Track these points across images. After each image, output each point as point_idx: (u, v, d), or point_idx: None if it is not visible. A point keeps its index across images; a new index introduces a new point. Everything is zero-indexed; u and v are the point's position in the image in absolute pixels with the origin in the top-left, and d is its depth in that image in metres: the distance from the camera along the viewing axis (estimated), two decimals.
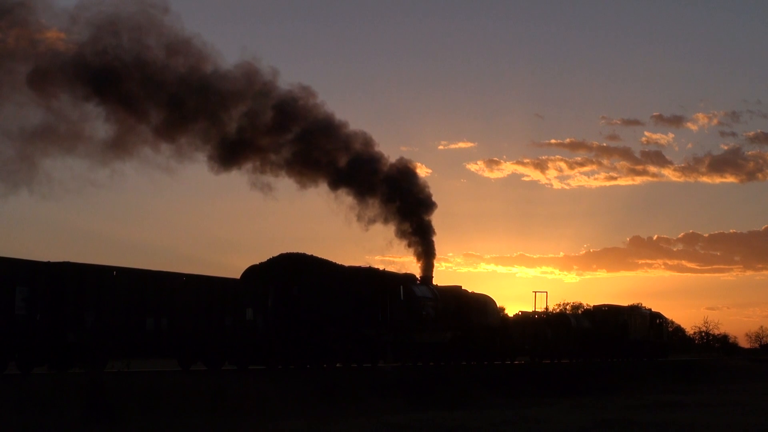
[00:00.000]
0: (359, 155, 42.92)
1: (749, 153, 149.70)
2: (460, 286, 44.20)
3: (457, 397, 27.52)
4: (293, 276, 32.78)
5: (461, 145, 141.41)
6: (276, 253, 34.42)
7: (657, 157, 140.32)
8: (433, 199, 45.53)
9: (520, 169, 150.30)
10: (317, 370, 31.84)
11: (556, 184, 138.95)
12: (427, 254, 43.79)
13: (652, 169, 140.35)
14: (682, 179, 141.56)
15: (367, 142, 43.66)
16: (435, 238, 44.65)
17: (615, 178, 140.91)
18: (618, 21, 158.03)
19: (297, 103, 41.16)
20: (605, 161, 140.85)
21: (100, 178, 39.49)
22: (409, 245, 43.93)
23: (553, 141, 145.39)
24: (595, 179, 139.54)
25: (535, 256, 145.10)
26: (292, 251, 34.79)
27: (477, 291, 45.91)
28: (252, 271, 33.54)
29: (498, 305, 48.34)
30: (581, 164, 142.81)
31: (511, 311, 54.53)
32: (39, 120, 35.21)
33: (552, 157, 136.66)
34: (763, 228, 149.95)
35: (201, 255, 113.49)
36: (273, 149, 41.19)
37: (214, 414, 20.45)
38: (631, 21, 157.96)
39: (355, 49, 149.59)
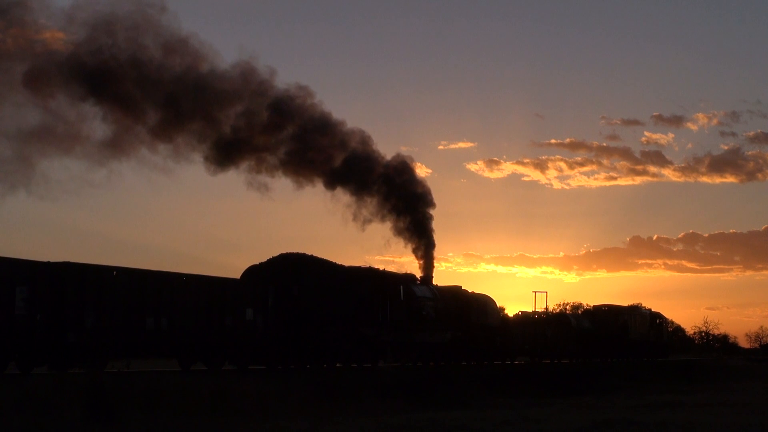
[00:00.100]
0: (355, 153, 42.75)
1: (749, 153, 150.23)
2: (460, 286, 44.22)
3: (457, 397, 27.49)
4: (293, 276, 32.78)
5: (461, 145, 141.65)
6: (276, 253, 34.50)
7: (657, 157, 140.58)
8: (432, 195, 45.49)
9: (520, 169, 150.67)
10: (317, 370, 31.84)
11: (556, 184, 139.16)
12: (426, 251, 43.65)
13: (652, 169, 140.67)
14: (682, 179, 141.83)
15: (365, 140, 43.56)
16: (435, 236, 44.66)
17: (615, 178, 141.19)
18: (618, 21, 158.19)
19: (293, 102, 41.05)
20: (605, 161, 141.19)
21: (98, 178, 39.42)
22: (407, 242, 43.86)
23: (553, 141, 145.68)
24: (595, 179, 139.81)
25: (535, 256, 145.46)
26: (292, 251, 34.83)
27: (477, 291, 45.97)
28: (252, 271, 33.54)
29: (498, 305, 48.38)
30: (581, 164, 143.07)
31: (511, 311, 54.64)
32: (36, 120, 35.20)
33: (552, 157, 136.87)
34: (763, 228, 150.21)
35: (201, 255, 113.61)
36: (268, 148, 41.12)
37: (214, 414, 20.44)
38: (631, 21, 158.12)
39: (355, 50, 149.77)
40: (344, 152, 42.52)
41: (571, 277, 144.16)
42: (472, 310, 43.40)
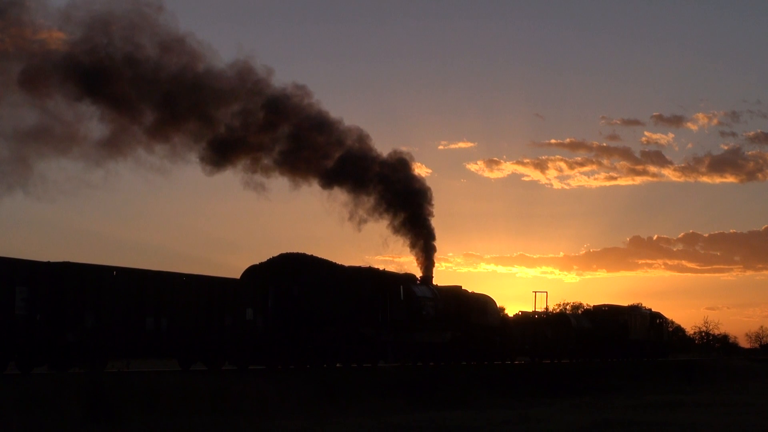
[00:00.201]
0: (350, 151, 42.50)
1: (749, 153, 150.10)
2: (460, 286, 44.20)
3: (457, 397, 27.47)
4: (293, 276, 32.78)
5: (461, 145, 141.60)
6: (276, 253, 34.52)
7: (657, 157, 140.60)
8: (431, 191, 45.25)
9: (520, 169, 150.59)
10: (317, 370, 31.83)
11: (556, 184, 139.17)
12: (426, 246, 43.47)
13: (652, 169, 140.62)
14: (682, 179, 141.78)
15: (361, 137, 43.27)
16: (434, 235, 44.47)
17: (615, 178, 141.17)
18: (618, 21, 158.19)
19: (289, 101, 40.85)
20: (605, 161, 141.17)
21: (95, 178, 39.34)
22: (406, 237, 43.67)
23: (553, 141, 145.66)
24: (595, 179, 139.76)
25: (535, 256, 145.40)
26: (292, 251, 34.83)
27: (477, 291, 45.95)
28: (252, 271, 33.54)
29: (498, 305, 48.38)
30: (581, 164, 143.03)
31: (511, 311, 54.66)
32: (33, 120, 35.11)
33: (552, 157, 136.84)
34: (763, 228, 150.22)
35: (200, 255, 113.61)
36: (264, 148, 40.96)
37: (214, 414, 20.44)
38: (631, 21, 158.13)
39: (355, 50, 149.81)
40: (341, 150, 42.37)
41: (571, 277, 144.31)
42: (472, 310, 43.39)
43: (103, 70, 35.27)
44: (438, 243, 44.35)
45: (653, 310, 70.39)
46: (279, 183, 42.85)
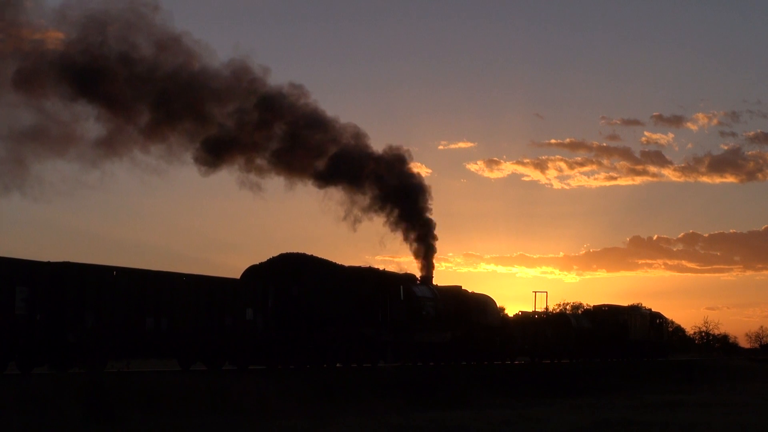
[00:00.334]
0: (345, 149, 42.13)
1: (749, 153, 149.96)
2: (460, 286, 44.18)
3: (457, 397, 27.50)
4: (293, 276, 32.77)
5: (461, 145, 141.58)
6: (276, 253, 34.47)
7: (657, 157, 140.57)
8: (427, 186, 44.93)
9: (520, 169, 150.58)
10: (317, 370, 31.83)
11: (556, 184, 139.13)
12: (425, 245, 43.31)
13: (652, 169, 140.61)
14: (682, 179, 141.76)
15: (357, 134, 42.89)
16: (434, 233, 44.26)
17: (615, 178, 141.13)
18: (618, 21, 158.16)
19: (283, 100, 40.50)
20: (605, 161, 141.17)
21: (92, 178, 39.16)
22: (403, 232, 43.48)
23: (553, 141, 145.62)
24: (595, 179, 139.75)
25: (535, 256, 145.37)
26: (292, 251, 34.81)
27: (477, 291, 45.94)
28: (252, 271, 33.53)
29: (498, 305, 48.36)
30: (581, 164, 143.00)
31: (511, 311, 54.65)
32: (29, 121, 34.96)
33: (552, 157, 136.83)
34: (763, 228, 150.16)
35: (200, 255, 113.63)
36: (258, 147, 40.73)
37: (214, 414, 20.45)
38: (631, 21, 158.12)
39: (355, 50, 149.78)
40: (336, 148, 41.94)
41: (571, 277, 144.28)
42: (472, 310, 43.38)
43: (98, 69, 35.11)
44: (438, 243, 44.30)
45: (653, 310, 70.40)
46: (276, 182, 42.59)
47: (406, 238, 43.50)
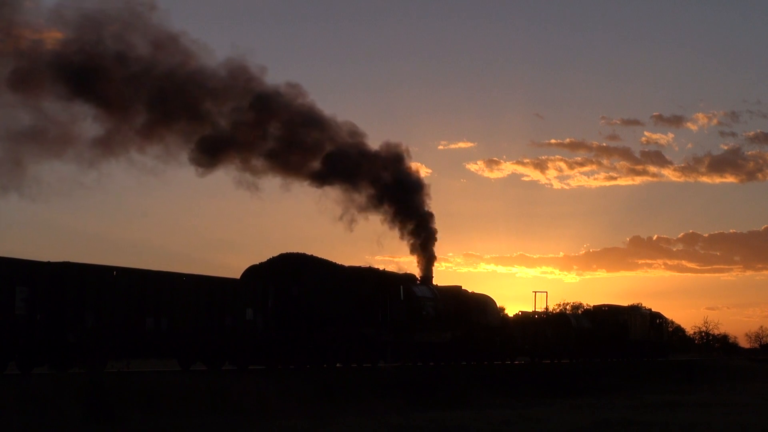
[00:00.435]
0: (341, 147, 41.87)
1: (749, 153, 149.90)
2: (460, 286, 44.17)
3: (457, 397, 27.50)
4: (293, 276, 32.76)
5: (461, 145, 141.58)
6: (276, 253, 34.47)
7: (657, 157, 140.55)
8: (428, 187, 44.62)
9: (520, 169, 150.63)
10: (317, 370, 31.83)
11: (556, 184, 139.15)
12: (421, 237, 43.12)
13: (652, 169, 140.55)
14: (682, 179, 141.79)
15: (354, 132, 42.61)
16: (434, 229, 44.03)
17: (615, 178, 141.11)
18: (618, 21, 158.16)
19: (278, 98, 40.17)
20: (605, 161, 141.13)
21: (89, 179, 38.89)
22: (401, 231, 43.33)
23: (553, 141, 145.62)
24: (595, 179, 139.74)
25: (535, 256, 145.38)
26: (292, 251, 34.81)
27: (477, 291, 45.94)
28: (252, 271, 33.53)
29: (498, 305, 48.35)
30: (581, 164, 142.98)
31: (511, 311, 54.64)
32: (26, 121, 34.82)
33: (552, 157, 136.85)
34: (763, 228, 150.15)
35: (200, 255, 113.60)
36: (254, 147, 40.48)
37: (214, 414, 20.45)
38: (631, 21, 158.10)
39: (355, 49, 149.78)
40: (331, 146, 41.65)
41: (571, 277, 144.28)
42: (472, 310, 43.37)
43: (94, 69, 34.94)
44: (438, 243, 44.15)
45: (653, 310, 70.40)
46: (275, 182, 42.32)
47: (403, 236, 43.39)
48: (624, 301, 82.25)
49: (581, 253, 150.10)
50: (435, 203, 45.05)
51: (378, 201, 43.03)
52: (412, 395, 26.25)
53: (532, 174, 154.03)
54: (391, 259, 75.58)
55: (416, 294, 38.61)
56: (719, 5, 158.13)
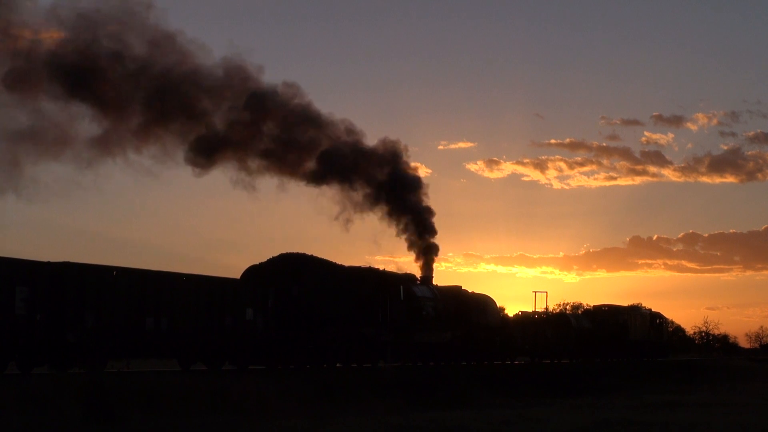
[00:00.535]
0: (336, 146, 41.61)
1: (749, 153, 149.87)
2: (460, 286, 44.16)
3: (457, 397, 27.50)
4: (293, 276, 32.77)
5: (461, 145, 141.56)
6: (276, 253, 34.48)
7: (657, 157, 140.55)
8: (426, 185, 44.44)
9: (520, 169, 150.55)
10: (317, 370, 31.83)
11: (556, 184, 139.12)
12: (419, 232, 42.99)
13: (652, 169, 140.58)
14: (682, 179, 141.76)
15: (351, 130, 42.40)
16: (432, 226, 43.83)
17: (615, 178, 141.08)
18: (618, 21, 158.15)
19: (274, 97, 39.91)
20: (605, 161, 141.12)
21: (87, 179, 38.74)
22: (397, 228, 43.20)
23: (553, 141, 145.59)
24: (595, 179, 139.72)
25: (535, 256, 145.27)
26: (292, 251, 34.81)
27: (477, 291, 45.94)
28: (252, 271, 33.53)
29: (498, 305, 48.35)
30: (581, 164, 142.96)
31: (511, 311, 54.60)
32: (23, 121, 34.71)
33: (552, 157, 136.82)
34: (763, 228, 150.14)
35: (200, 255, 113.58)
36: (249, 146, 40.24)
37: (214, 414, 20.45)
38: (630, 21, 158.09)
39: (355, 49, 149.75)
40: (327, 145, 41.34)
41: (571, 277, 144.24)
42: (472, 310, 43.37)
43: (90, 68, 34.80)
44: (438, 241, 44.08)
45: (653, 310, 70.41)
46: (273, 182, 42.06)
47: (400, 232, 43.20)
48: (624, 301, 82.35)
49: (581, 253, 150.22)
50: (435, 203, 45.04)
51: (375, 198, 42.92)
52: (412, 395, 26.24)
53: (532, 174, 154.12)
54: (390, 259, 75.56)
55: (416, 294, 38.62)
56: (719, 5, 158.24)
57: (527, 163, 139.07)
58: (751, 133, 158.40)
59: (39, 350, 24.22)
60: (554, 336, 54.64)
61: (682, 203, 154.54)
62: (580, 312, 78.35)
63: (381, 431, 18.30)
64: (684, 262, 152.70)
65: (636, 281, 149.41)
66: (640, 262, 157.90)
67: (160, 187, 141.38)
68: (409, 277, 39.66)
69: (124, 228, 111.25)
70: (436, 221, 44.14)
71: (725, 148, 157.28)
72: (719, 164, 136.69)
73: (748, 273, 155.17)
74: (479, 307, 44.49)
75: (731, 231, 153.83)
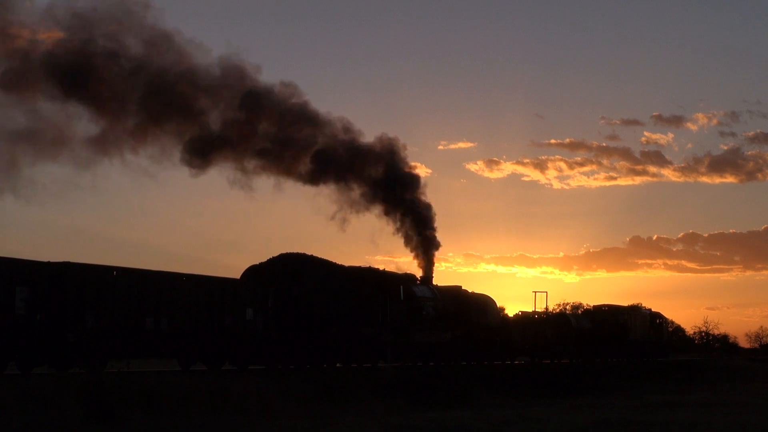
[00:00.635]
0: (332, 145, 41.48)
1: (749, 153, 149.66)
2: (460, 286, 44.17)
3: (457, 397, 27.49)
4: (293, 276, 32.77)
5: (461, 145, 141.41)
6: (276, 253, 34.48)
7: (657, 157, 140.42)
8: (423, 182, 44.32)
9: (520, 169, 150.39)
10: (317, 369, 31.83)
11: (556, 184, 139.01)
12: (417, 229, 42.94)
13: (652, 169, 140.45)
14: (681, 179, 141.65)
15: (348, 128, 42.22)
16: (431, 222, 43.70)
17: (615, 178, 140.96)
18: (618, 21, 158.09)
19: (270, 96, 39.75)
20: (605, 161, 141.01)
21: (85, 180, 38.57)
22: (394, 225, 43.17)
23: (553, 141, 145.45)
24: (595, 179, 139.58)
25: (535, 256, 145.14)
26: (292, 251, 34.81)
27: (477, 291, 45.94)
28: (252, 271, 33.53)
29: (498, 305, 48.36)
30: (581, 164, 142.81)
31: (511, 311, 54.57)
32: (21, 122, 34.64)
33: (552, 157, 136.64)
34: (762, 228, 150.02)
35: (200, 255, 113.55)
36: (245, 146, 40.05)
37: (214, 414, 20.45)
38: (630, 21, 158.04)
39: (355, 49, 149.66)
40: (323, 143, 41.18)
41: (571, 277, 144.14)
42: (472, 310, 43.37)
43: (86, 68, 34.70)
44: (438, 238, 43.98)
45: (653, 310, 70.40)
46: (270, 182, 41.88)
47: (397, 230, 43.10)
48: (624, 301, 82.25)
49: (581, 253, 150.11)
50: (435, 203, 44.85)
51: (372, 196, 42.83)
52: (412, 395, 26.24)
53: (532, 174, 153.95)
54: (390, 259, 75.59)
55: (416, 294, 38.62)
56: (719, 5, 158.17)
57: (527, 163, 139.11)
58: (751, 133, 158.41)
59: (39, 350, 24.22)
60: (554, 336, 54.63)
61: (682, 203, 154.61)
62: (580, 312, 78.31)
63: (381, 431, 18.30)
64: (684, 262, 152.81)
65: (636, 281, 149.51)
66: (640, 262, 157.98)
67: (159, 187, 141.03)
68: (409, 277, 39.66)
69: (123, 228, 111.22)
70: (436, 221, 44.16)
71: (725, 148, 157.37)
72: (719, 164, 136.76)
73: (748, 273, 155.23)
74: (479, 307, 44.50)
75: (731, 231, 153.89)
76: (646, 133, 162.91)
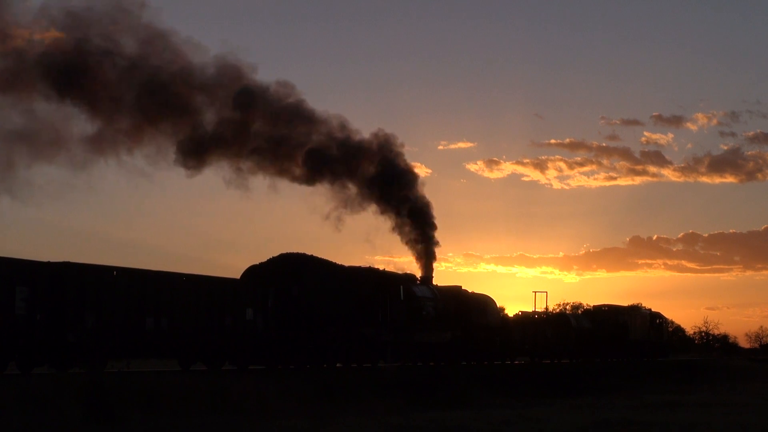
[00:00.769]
0: (327, 143, 41.24)
1: (749, 153, 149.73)
2: (460, 286, 44.19)
3: (457, 397, 27.48)
4: (293, 276, 32.77)
5: (461, 145, 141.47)
6: (276, 253, 34.49)
7: (657, 157, 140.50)
8: (420, 179, 44.27)
9: (520, 169, 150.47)
10: (317, 369, 31.84)
11: (556, 184, 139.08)
12: (416, 226, 42.84)
13: (652, 169, 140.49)
14: (681, 179, 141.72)
15: (344, 126, 42.05)
16: (430, 219, 43.54)
17: (615, 178, 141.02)
18: (618, 21, 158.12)
19: (262, 94, 39.58)
20: (605, 161, 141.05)
21: (82, 180, 38.42)
22: (393, 223, 43.06)
23: (552, 141, 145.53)
24: (594, 179, 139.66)
25: (535, 256, 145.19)
26: (292, 251, 34.82)
27: (477, 291, 45.95)
28: (252, 271, 33.53)
29: (498, 305, 48.37)
30: (581, 164, 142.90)
31: (511, 311, 54.62)
32: (17, 122, 34.57)
33: (552, 157, 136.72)
34: (762, 228, 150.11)
35: (200, 255, 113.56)
36: (240, 145, 39.90)
37: (214, 414, 20.45)
38: (630, 21, 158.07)
39: (355, 49, 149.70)
40: (318, 142, 40.98)
41: (571, 277, 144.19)
42: (472, 310, 43.38)
43: (82, 68, 34.60)
44: (436, 236, 43.88)
45: (653, 310, 70.42)
46: (266, 181, 41.69)
47: (395, 228, 43.01)
48: (624, 301, 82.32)
49: (581, 253, 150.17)
50: (435, 203, 44.83)
51: (368, 194, 42.71)
52: (412, 395, 26.24)
53: (532, 174, 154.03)
54: (390, 259, 75.50)
55: (416, 294, 38.63)
56: (719, 5, 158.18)
57: (527, 163, 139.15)
58: (751, 133, 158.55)
59: (39, 350, 24.23)
60: (554, 336, 54.64)
61: (682, 203, 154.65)
62: (580, 312, 78.34)
63: (381, 431, 18.30)
64: (684, 262, 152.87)
65: (636, 281, 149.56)
66: (640, 262, 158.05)
67: (156, 187, 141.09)
68: (409, 277, 39.66)
69: (120, 228, 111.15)
70: (436, 221, 44.10)
71: (725, 148, 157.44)
72: (719, 164, 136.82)
73: (748, 273, 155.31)
74: (479, 307, 44.51)
75: (731, 231, 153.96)
76: (646, 133, 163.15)
